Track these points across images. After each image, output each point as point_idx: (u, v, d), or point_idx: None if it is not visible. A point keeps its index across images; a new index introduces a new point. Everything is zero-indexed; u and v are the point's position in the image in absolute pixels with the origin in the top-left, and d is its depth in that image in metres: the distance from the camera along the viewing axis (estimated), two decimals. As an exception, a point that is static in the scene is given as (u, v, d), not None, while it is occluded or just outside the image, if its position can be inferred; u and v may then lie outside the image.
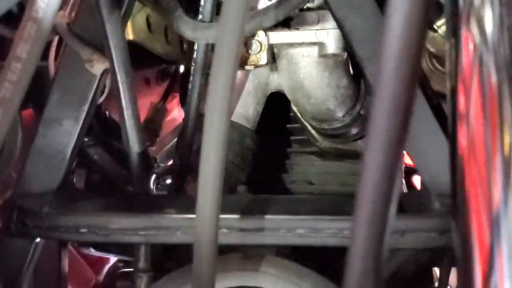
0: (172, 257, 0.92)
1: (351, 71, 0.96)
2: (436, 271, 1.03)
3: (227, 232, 0.69)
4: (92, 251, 1.04)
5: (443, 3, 0.49)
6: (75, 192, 0.81)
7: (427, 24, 0.37)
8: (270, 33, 0.88)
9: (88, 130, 0.80)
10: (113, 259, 1.22)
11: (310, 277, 0.72)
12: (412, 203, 0.72)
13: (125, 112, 0.73)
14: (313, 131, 1.03)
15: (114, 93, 0.73)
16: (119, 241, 0.72)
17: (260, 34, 0.88)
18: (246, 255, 0.74)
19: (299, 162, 1.04)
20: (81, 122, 0.74)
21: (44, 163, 0.75)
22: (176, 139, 1.45)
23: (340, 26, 0.74)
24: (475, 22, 0.43)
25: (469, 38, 0.43)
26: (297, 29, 0.87)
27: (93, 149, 1.02)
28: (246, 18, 0.46)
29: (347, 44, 0.87)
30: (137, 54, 0.75)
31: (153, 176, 1.02)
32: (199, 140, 0.89)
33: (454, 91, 0.45)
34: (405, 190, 1.17)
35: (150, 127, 1.09)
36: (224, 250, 0.73)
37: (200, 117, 0.88)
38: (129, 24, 0.75)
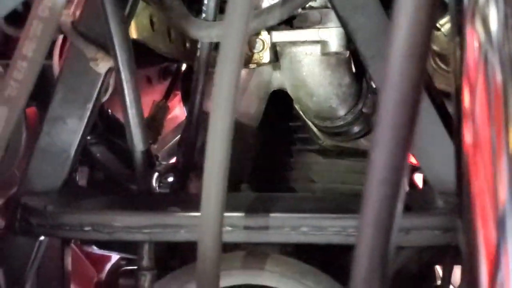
0: (175, 255, 0.93)
1: (353, 70, 0.96)
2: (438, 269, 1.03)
3: (231, 230, 0.70)
4: (95, 249, 1.05)
5: (447, 1, 0.49)
6: (78, 190, 0.82)
7: (434, 23, 0.37)
8: (273, 32, 0.89)
9: (91, 128, 0.80)
10: (115, 257, 1.22)
11: (314, 275, 0.72)
12: (416, 201, 0.73)
13: (129, 111, 0.73)
14: (315, 129, 1.03)
15: (118, 92, 0.73)
16: (123, 239, 0.72)
17: (263, 33, 0.88)
18: (250, 253, 0.74)
19: (302, 160, 1.04)
20: (85, 121, 0.75)
21: (48, 162, 0.75)
22: (177, 137, 1.46)
23: (344, 25, 0.74)
24: (480, 21, 0.43)
25: (474, 37, 0.43)
26: (300, 27, 0.88)
27: (96, 147, 1.02)
28: (251, 17, 0.46)
29: (350, 42, 0.87)
30: (139, 53, 0.75)
31: (155, 174, 1.02)
32: (202, 138, 0.90)
33: (459, 90, 0.45)
34: (406, 188, 1.17)
35: (152, 125, 1.09)
36: (228, 248, 0.73)
37: (203, 115, 0.89)
38: (132, 23, 0.75)
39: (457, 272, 0.92)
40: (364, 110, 0.97)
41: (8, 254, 0.75)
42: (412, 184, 1.25)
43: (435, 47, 0.79)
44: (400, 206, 0.39)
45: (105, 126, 1.01)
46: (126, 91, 0.72)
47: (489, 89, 0.42)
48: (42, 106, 0.81)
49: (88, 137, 0.97)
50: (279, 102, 1.01)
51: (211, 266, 0.51)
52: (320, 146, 1.04)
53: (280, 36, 0.89)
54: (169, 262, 0.90)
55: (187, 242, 0.73)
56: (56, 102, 0.74)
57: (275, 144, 1.06)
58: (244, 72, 0.96)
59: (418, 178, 1.10)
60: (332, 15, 0.85)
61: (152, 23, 0.80)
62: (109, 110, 1.03)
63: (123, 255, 1.10)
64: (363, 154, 1.03)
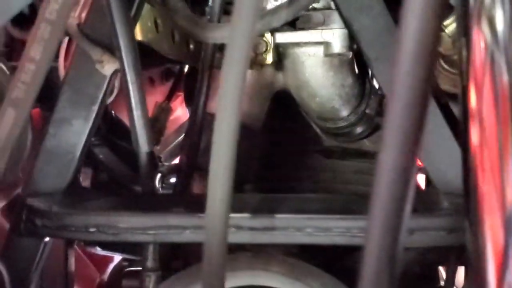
0: (178, 256, 0.93)
1: (356, 70, 0.96)
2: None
3: (236, 231, 0.70)
4: (97, 250, 1.05)
5: (453, 3, 0.49)
6: (83, 192, 0.82)
7: (441, 25, 0.37)
8: (276, 33, 0.89)
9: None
10: (117, 258, 1.23)
11: (319, 276, 0.72)
12: (421, 202, 0.73)
13: (134, 112, 0.73)
14: (318, 130, 1.04)
15: (123, 93, 0.73)
16: (128, 240, 0.72)
17: (266, 34, 0.89)
18: (255, 254, 0.74)
19: (305, 161, 1.04)
20: (90, 122, 0.75)
21: (53, 163, 0.75)
22: (179, 138, 1.46)
23: (348, 26, 0.74)
24: (486, 22, 0.43)
25: (480, 38, 0.43)
26: (303, 29, 0.88)
27: (99, 148, 1.02)
28: (257, 19, 0.47)
29: (353, 43, 0.88)
30: (142, 54, 0.75)
31: (158, 175, 1.02)
32: (205, 139, 0.90)
33: (465, 90, 0.45)
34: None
35: (155, 127, 1.09)
36: (233, 249, 0.73)
37: (206, 116, 0.89)
38: (137, 25, 0.76)
39: (460, 273, 0.92)
40: (367, 111, 0.97)
41: (13, 255, 0.75)
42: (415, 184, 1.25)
43: (439, 48, 0.79)
44: (408, 207, 0.39)
45: (109, 127, 1.01)
46: (131, 93, 0.72)
47: (496, 89, 0.42)
48: (46, 107, 0.81)
49: (92, 139, 0.97)
50: (282, 103, 1.01)
51: (217, 267, 0.51)
52: (323, 147, 1.05)
53: (283, 37, 0.89)
54: (172, 263, 0.90)
55: (191, 243, 0.74)
56: (62, 103, 0.75)
57: (278, 145, 1.06)
58: (247, 73, 0.96)
59: (421, 179, 1.10)
60: (335, 16, 0.85)
61: (156, 24, 0.80)
62: (113, 112, 1.03)
63: (126, 256, 1.10)
64: (366, 155, 1.03)
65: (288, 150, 1.06)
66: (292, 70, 0.92)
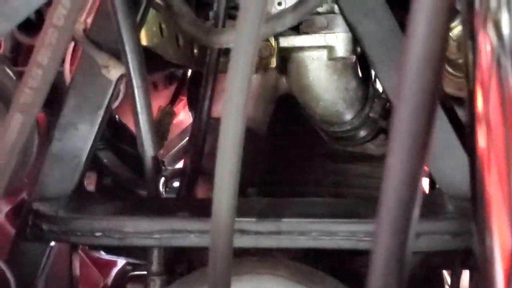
0: (182, 260, 0.93)
1: (360, 74, 0.97)
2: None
3: (241, 235, 0.70)
4: (101, 254, 1.05)
5: (459, 6, 0.49)
6: (88, 196, 0.82)
7: (449, 29, 0.38)
8: (280, 37, 0.89)
9: (99, 134, 0.80)
10: (121, 262, 1.23)
11: (325, 280, 0.72)
12: (426, 206, 0.73)
13: (140, 117, 0.74)
14: (322, 134, 1.04)
15: (129, 98, 0.73)
16: (133, 244, 0.73)
17: (270, 38, 0.89)
18: (260, 258, 0.74)
19: (309, 165, 1.04)
20: (96, 127, 0.75)
21: (59, 168, 0.75)
22: (182, 142, 1.46)
23: (352, 30, 0.75)
24: (492, 25, 0.43)
25: (486, 41, 0.43)
26: (306, 33, 0.88)
27: (103, 153, 1.03)
28: (263, 23, 0.47)
29: (357, 47, 0.88)
30: (146, 59, 0.76)
31: (162, 179, 1.02)
32: (209, 143, 0.90)
33: (472, 94, 0.45)
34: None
35: (158, 131, 1.09)
36: (238, 254, 0.73)
37: (210, 120, 0.89)
38: (142, 30, 0.76)
39: (465, 277, 0.92)
40: (370, 114, 0.98)
41: (19, 259, 0.76)
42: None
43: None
44: (416, 211, 0.39)
45: (113, 132, 1.01)
46: (137, 97, 0.73)
47: (503, 93, 0.42)
48: (51, 111, 0.81)
49: (96, 143, 0.98)
50: (286, 107, 1.01)
51: (223, 271, 0.51)
52: (327, 150, 1.05)
53: (287, 41, 0.89)
54: (176, 267, 0.90)
55: (196, 247, 0.74)
56: (68, 108, 0.75)
57: (282, 149, 1.06)
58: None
59: (424, 182, 1.10)
60: (338, 20, 0.86)
61: (161, 29, 0.81)
62: (117, 116, 1.03)
63: (130, 260, 1.10)
64: (370, 158, 1.03)
65: (291, 153, 1.06)
66: (296, 74, 0.92)
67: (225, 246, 0.50)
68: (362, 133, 1.01)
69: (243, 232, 0.70)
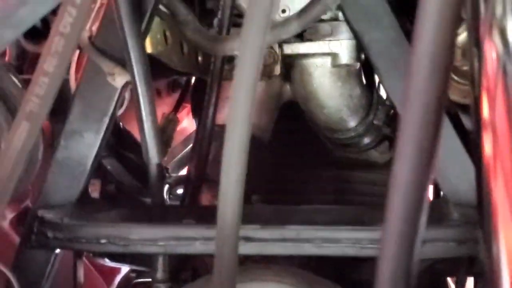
0: (187, 267, 0.93)
1: (364, 81, 0.97)
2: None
3: (246, 242, 0.70)
4: (106, 261, 1.05)
5: (464, 14, 0.49)
6: (94, 203, 0.82)
7: (455, 37, 0.38)
8: (284, 44, 0.89)
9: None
10: (125, 269, 1.23)
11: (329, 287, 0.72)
12: (431, 213, 0.73)
13: (145, 124, 0.74)
14: (326, 141, 1.04)
15: (134, 105, 0.73)
16: (138, 251, 0.73)
17: (274, 45, 0.89)
18: (265, 266, 0.74)
19: (313, 172, 1.04)
20: (101, 134, 0.75)
21: (64, 175, 0.76)
22: (186, 149, 1.46)
23: (357, 38, 0.75)
24: (498, 33, 0.43)
25: (492, 49, 0.43)
26: (310, 40, 0.88)
27: (107, 160, 1.03)
28: (268, 31, 0.47)
29: (362, 54, 0.88)
30: (152, 67, 0.76)
31: (166, 187, 1.02)
32: (213, 150, 0.90)
33: (477, 101, 0.45)
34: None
35: (162, 138, 1.09)
36: (243, 261, 0.73)
37: (214, 128, 0.89)
38: (147, 37, 0.76)
39: (469, 285, 0.92)
40: (375, 121, 0.98)
41: (24, 267, 0.76)
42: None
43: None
44: (423, 219, 0.39)
45: (117, 139, 1.01)
46: (142, 105, 0.73)
47: (508, 100, 0.42)
48: (55, 119, 0.81)
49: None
50: (290, 114, 1.01)
51: (228, 278, 0.51)
52: (331, 157, 1.05)
53: (291, 48, 0.89)
54: (181, 275, 0.90)
55: (200, 254, 0.74)
56: (73, 116, 0.75)
57: (286, 156, 1.06)
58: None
59: (429, 190, 1.09)
60: (342, 27, 0.86)
61: (165, 37, 0.81)
62: (121, 123, 1.04)
63: (135, 267, 1.10)
64: (374, 166, 1.03)
65: (296, 161, 1.06)
66: (300, 81, 0.92)
67: (230, 253, 0.50)
68: (366, 140, 1.01)
69: (248, 239, 0.70)
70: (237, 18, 0.85)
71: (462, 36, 0.70)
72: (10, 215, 0.98)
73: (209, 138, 0.88)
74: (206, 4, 0.92)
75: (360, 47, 0.83)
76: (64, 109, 0.76)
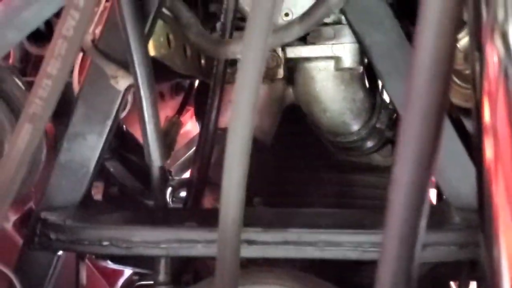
0: (189, 270, 0.93)
1: (367, 85, 0.97)
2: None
3: (248, 245, 0.70)
4: (108, 264, 1.05)
5: (466, 17, 0.49)
6: (96, 205, 0.82)
7: (456, 40, 0.38)
8: (287, 48, 0.89)
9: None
10: (127, 272, 1.23)
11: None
12: (432, 217, 0.73)
13: (147, 127, 0.74)
14: (328, 144, 1.04)
15: (137, 108, 0.74)
16: (141, 254, 0.73)
17: (277, 49, 0.89)
18: (267, 269, 0.74)
19: (315, 175, 1.04)
20: (104, 137, 0.75)
21: (67, 177, 0.76)
22: (189, 152, 1.46)
23: (359, 41, 0.75)
24: (499, 37, 0.43)
25: (494, 52, 0.43)
26: (313, 43, 0.88)
27: (110, 162, 1.03)
28: (270, 34, 0.47)
29: (365, 58, 0.88)
30: (155, 70, 0.76)
31: (169, 189, 1.02)
32: (216, 153, 0.91)
33: (479, 104, 0.45)
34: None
35: (165, 141, 1.09)
36: (245, 264, 0.73)
37: (217, 131, 0.89)
38: (150, 41, 0.76)
39: None
40: (377, 125, 0.98)
41: (26, 269, 0.76)
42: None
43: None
44: (424, 222, 0.39)
45: (120, 141, 1.02)
46: (145, 108, 0.73)
47: (510, 103, 0.42)
48: (58, 121, 0.82)
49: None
50: (292, 117, 1.01)
51: (230, 281, 0.51)
52: (333, 161, 1.05)
53: (294, 51, 0.90)
54: (183, 277, 0.90)
55: (202, 257, 0.74)
56: (76, 118, 0.75)
57: (288, 159, 1.06)
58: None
59: (432, 193, 1.10)
60: (345, 31, 0.86)
61: (168, 40, 0.81)
62: (124, 126, 1.04)
63: (137, 270, 1.10)
64: (377, 169, 1.03)
65: (298, 164, 1.06)
66: (303, 85, 0.92)
67: (232, 256, 0.51)
68: (369, 143, 1.01)
69: (250, 242, 0.70)
70: (240, 22, 0.85)
71: (464, 40, 0.71)
72: (13, 217, 0.98)
73: (212, 141, 0.88)
74: (209, 8, 0.92)
75: (363, 50, 0.83)
76: (67, 111, 0.77)
